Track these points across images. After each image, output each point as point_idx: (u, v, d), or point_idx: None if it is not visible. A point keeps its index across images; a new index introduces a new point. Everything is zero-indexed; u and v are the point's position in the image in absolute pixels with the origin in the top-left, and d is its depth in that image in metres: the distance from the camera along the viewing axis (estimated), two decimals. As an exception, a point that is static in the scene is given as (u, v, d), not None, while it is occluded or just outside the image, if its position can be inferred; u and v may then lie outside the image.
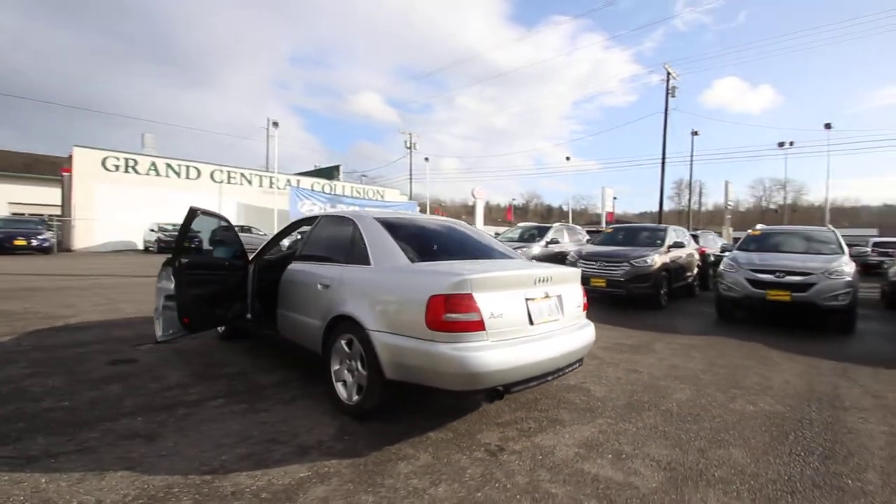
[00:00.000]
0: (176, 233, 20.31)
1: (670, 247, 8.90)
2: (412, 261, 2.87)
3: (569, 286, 3.13)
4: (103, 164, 21.88)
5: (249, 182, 29.18)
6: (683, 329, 6.22)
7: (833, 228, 7.95)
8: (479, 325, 2.45)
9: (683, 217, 43.33)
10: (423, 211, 38.14)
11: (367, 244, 3.09)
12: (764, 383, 3.84)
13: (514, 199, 66.47)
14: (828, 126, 25.79)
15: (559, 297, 2.98)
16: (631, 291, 7.89)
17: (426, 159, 38.50)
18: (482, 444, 2.57)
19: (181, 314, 3.59)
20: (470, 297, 2.46)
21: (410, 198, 40.40)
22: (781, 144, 34.99)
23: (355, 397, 2.85)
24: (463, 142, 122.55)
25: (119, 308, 6.46)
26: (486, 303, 2.50)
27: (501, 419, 2.93)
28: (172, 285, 3.58)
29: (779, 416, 3.10)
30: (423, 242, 3.18)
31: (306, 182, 32.39)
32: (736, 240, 16.29)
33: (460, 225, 4.00)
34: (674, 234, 9.49)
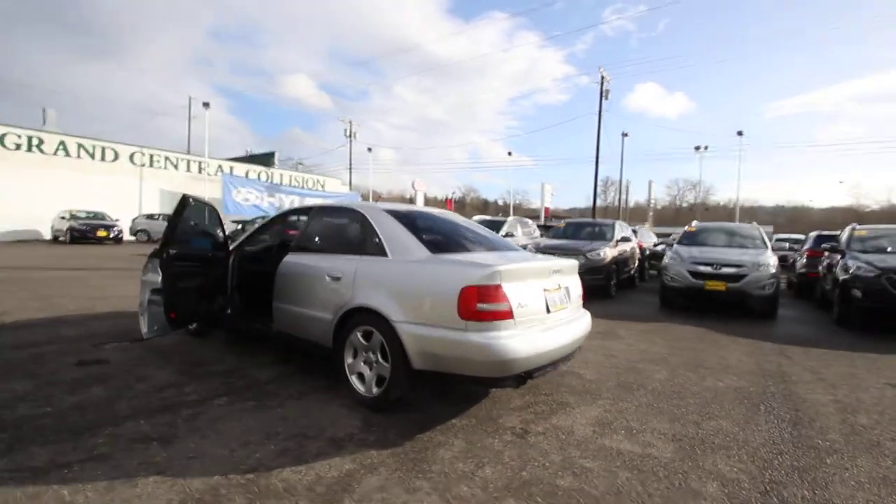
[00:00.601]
0: (92, 221, 18.60)
1: (618, 241, 9.58)
2: (432, 252, 2.92)
3: (573, 277, 3.34)
4: (1, 141, 19.18)
5: (175, 166, 26.99)
6: (636, 316, 6.77)
7: (757, 225, 8.97)
8: (509, 314, 2.57)
9: (610, 213, 46.34)
10: (365, 201, 37.56)
11: (381, 236, 3.08)
12: (722, 363, 4.33)
13: (454, 192, 67.00)
14: (740, 133, 28.85)
15: (567, 287, 3.17)
16: (586, 283, 8.39)
17: (369, 149, 37.88)
18: (507, 428, 2.69)
19: (168, 309, 3.35)
20: (499, 287, 2.56)
21: (350, 188, 39.53)
22: (698, 148, 38.40)
23: (375, 389, 2.85)
24: (399, 132, 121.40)
25: (57, 304, 5.81)
26: (513, 293, 2.62)
27: (513, 404, 3.08)
28: (159, 278, 3.33)
29: (745, 390, 3.54)
30: (434, 234, 3.21)
31: (240, 169, 30.55)
32: (659, 235, 17.68)
33: (457, 217, 4.07)
34: (620, 229, 10.21)
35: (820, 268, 8.78)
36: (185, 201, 3.54)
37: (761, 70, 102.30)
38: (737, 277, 7.10)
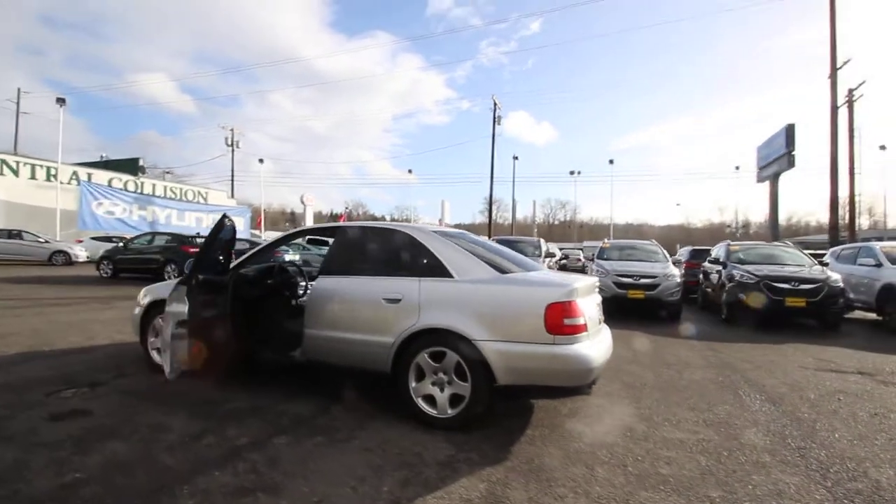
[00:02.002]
0: None
1: (545, 256, 10.52)
2: (502, 272, 3.05)
3: (598, 293, 3.73)
4: None
5: (15, 172, 22.25)
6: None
7: (656, 242, 10.59)
8: (584, 327, 2.82)
9: (498, 229, 49.72)
10: (254, 217, 34.76)
11: (441, 258, 3.10)
12: (680, 360, 5.11)
13: (347, 208, 65.57)
14: (611, 161, 33.45)
15: (599, 301, 3.54)
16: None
17: (261, 161, 35.34)
18: (577, 433, 2.92)
19: (193, 343, 2.93)
20: (576, 303, 2.81)
21: (232, 197, 36.33)
22: (572, 172, 43.36)
23: (450, 410, 2.86)
24: (279, 143, 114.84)
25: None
26: (583, 307, 2.88)
27: (563, 411, 3.31)
28: (186, 308, 2.89)
29: (717, 381, 4.26)
30: (485, 255, 3.33)
31: (102, 177, 26.24)
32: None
33: (477, 236, 4.22)
34: (545, 246, 11.21)
35: (700, 276, 10.68)
36: (223, 222, 3.14)
37: (610, 108, 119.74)
38: (652, 287, 8.33)
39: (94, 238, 20.97)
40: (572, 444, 2.75)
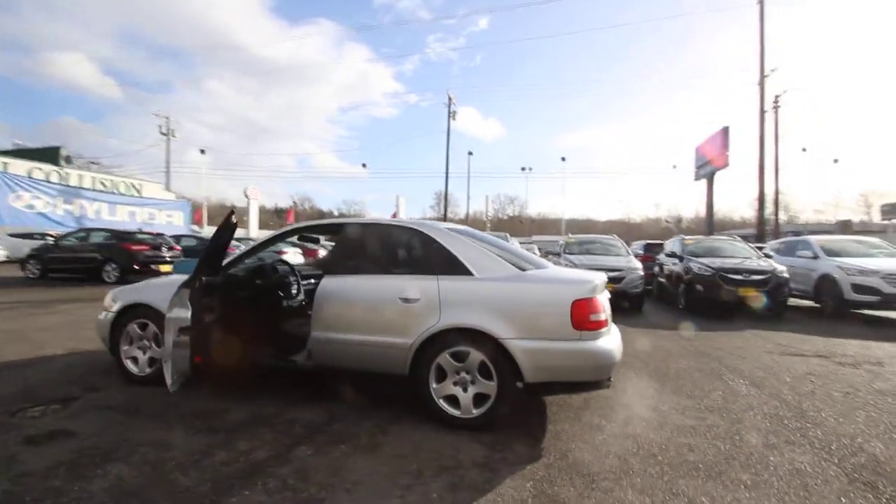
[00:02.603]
0: None
1: (513, 251, 10.68)
2: (520, 270, 3.02)
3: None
4: None
5: None
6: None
7: (617, 237, 11.04)
8: (606, 322, 2.87)
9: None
10: (195, 211, 32.70)
11: (459, 256, 3.03)
12: (660, 349, 5.36)
13: (294, 202, 63.28)
14: (563, 159, 34.48)
15: (608, 297, 3.61)
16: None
17: (202, 151, 33.23)
18: (595, 425, 2.97)
19: (195, 352, 2.67)
20: (598, 299, 2.85)
21: (168, 190, 33.91)
22: (524, 169, 44.34)
23: (475, 410, 2.81)
24: (216, 133, 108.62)
25: None
26: (602, 302, 2.93)
27: (573, 406, 3.36)
28: (188, 314, 2.63)
29: (702, 368, 4.50)
30: (500, 252, 3.29)
31: (20, 167, 23.60)
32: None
33: (484, 234, 4.16)
34: (512, 241, 11.37)
35: (656, 269, 11.28)
36: (230, 219, 2.87)
37: (555, 107, 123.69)
38: (619, 279, 8.67)
39: (12, 235, 18.83)
40: (596, 436, 2.80)
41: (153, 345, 3.60)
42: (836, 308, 8.08)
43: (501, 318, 2.80)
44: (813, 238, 9.61)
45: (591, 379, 2.80)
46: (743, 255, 9.27)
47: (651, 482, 2.24)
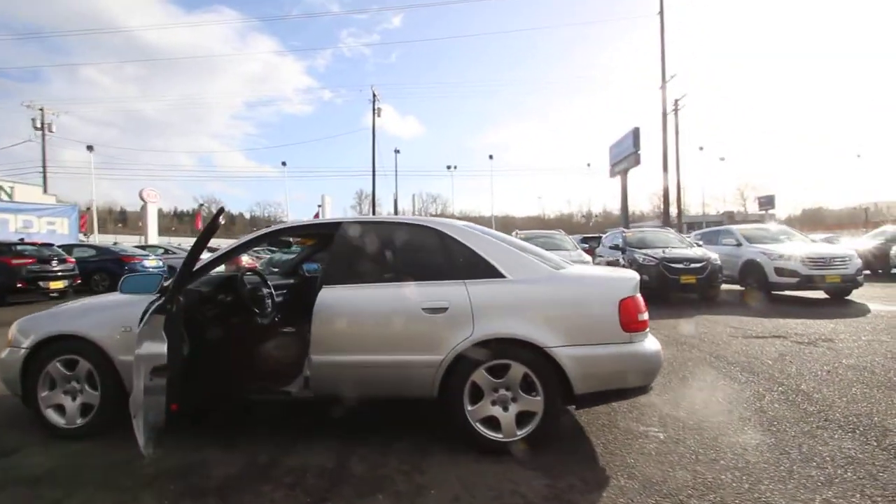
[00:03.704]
0: None
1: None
2: (556, 269, 2.72)
3: None
4: None
5: None
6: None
7: (563, 232, 11.29)
8: (647, 321, 2.67)
9: (379, 224, 49.08)
10: (86, 217, 28.56)
11: (487, 256, 2.66)
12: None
13: (202, 204, 57.98)
14: (490, 157, 35.13)
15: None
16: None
17: (90, 148, 29.00)
18: (640, 432, 2.78)
19: (171, 397, 2.02)
20: (640, 297, 2.64)
21: (46, 193, 29.18)
22: (449, 167, 44.71)
23: (519, 431, 2.47)
24: (97, 128, 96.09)
25: None
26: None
27: (600, 409, 3.15)
28: (164, 348, 1.96)
29: (690, 357, 4.57)
30: (526, 251, 2.96)
31: None
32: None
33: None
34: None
35: (597, 261, 11.72)
36: (217, 222, 2.19)
37: (470, 106, 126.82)
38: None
39: None
40: (647, 445, 2.59)
41: (86, 387, 2.79)
42: (760, 290, 8.88)
43: (544, 323, 2.49)
44: (734, 227, 10.55)
45: (641, 384, 2.59)
46: (678, 245, 9.90)
47: (737, 493, 2.06)
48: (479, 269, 2.65)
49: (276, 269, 4.35)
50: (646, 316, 2.59)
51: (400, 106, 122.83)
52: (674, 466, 2.33)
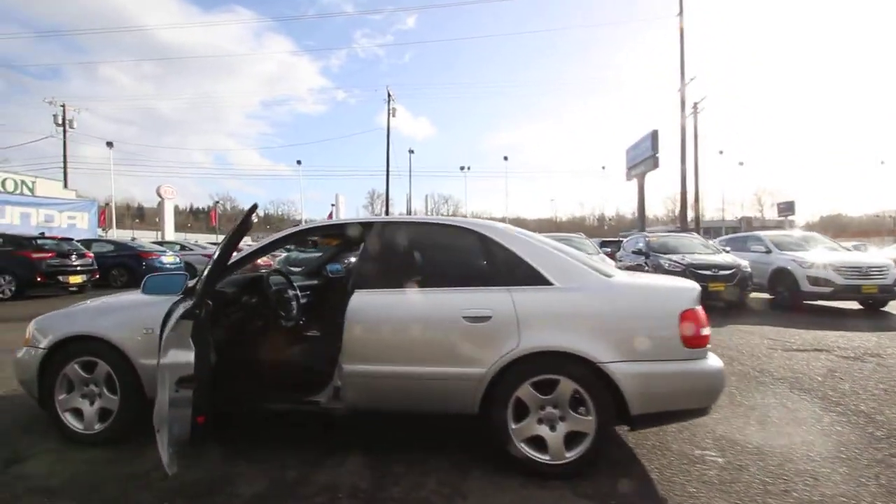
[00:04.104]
0: None
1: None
2: (607, 276, 2.52)
3: None
4: None
5: None
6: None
7: (583, 235, 11.04)
8: (709, 336, 2.45)
9: (391, 224, 49.00)
10: (105, 212, 28.95)
11: (533, 262, 2.46)
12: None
13: (217, 201, 58.59)
14: (505, 158, 34.85)
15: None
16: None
17: (109, 145, 29.40)
18: (696, 456, 2.56)
19: (198, 409, 1.86)
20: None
21: (67, 188, 29.55)
22: (462, 168, 44.49)
23: (568, 454, 2.27)
24: (116, 126, 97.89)
25: None
26: (702, 313, 2.50)
27: (651, 433, 2.93)
28: (191, 356, 1.80)
29: (732, 372, 4.31)
30: (574, 256, 2.75)
31: None
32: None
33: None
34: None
35: (618, 265, 11.44)
36: (249, 219, 2.04)
37: (482, 107, 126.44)
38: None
39: None
40: (707, 472, 2.37)
41: (105, 391, 2.65)
42: (792, 299, 8.53)
43: (598, 336, 2.28)
44: (763, 233, 10.19)
45: (702, 405, 2.36)
46: (705, 251, 9.58)
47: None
48: (525, 275, 2.45)
49: (295, 269, 4.21)
50: (708, 331, 2.36)
51: (413, 107, 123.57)
52: (742, 498, 2.11)
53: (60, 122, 33.18)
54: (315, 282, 3.89)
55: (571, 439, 2.29)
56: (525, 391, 2.30)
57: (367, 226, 2.75)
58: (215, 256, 2.17)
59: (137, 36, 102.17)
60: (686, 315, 2.29)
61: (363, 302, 2.48)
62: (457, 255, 2.67)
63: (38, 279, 9.78)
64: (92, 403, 2.68)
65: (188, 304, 2.04)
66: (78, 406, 2.68)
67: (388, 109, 33.65)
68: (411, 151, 36.30)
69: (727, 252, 9.63)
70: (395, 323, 2.44)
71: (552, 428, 2.30)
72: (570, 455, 2.27)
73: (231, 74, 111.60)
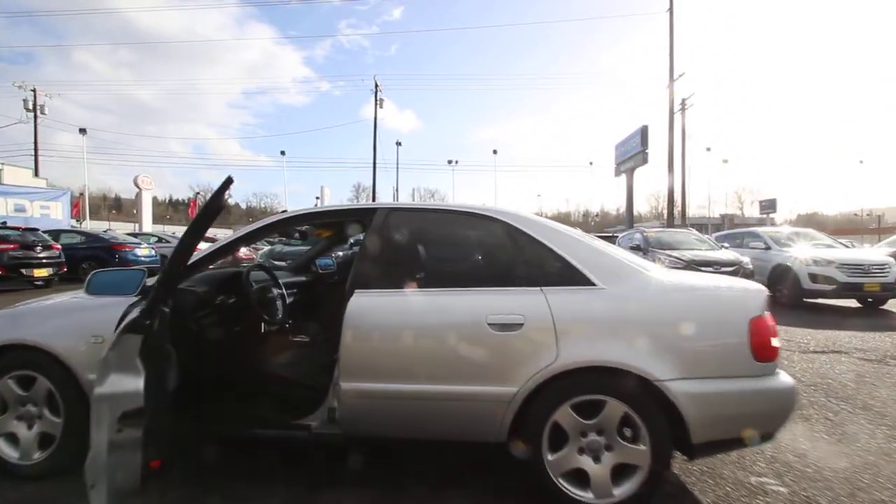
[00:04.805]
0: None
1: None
2: (658, 276, 2.12)
3: None
4: None
5: None
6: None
7: (580, 230, 10.70)
8: (779, 348, 2.07)
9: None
10: (79, 203, 27.69)
11: (569, 257, 2.05)
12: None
13: (198, 192, 56.91)
14: (495, 151, 34.45)
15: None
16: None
17: (83, 131, 28.06)
18: (759, 487, 2.20)
19: (152, 451, 1.40)
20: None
21: (37, 176, 28.15)
22: (450, 162, 44.07)
23: (616, 491, 1.87)
24: (91, 113, 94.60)
25: None
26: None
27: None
28: (140, 383, 1.34)
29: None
30: (611, 250, 2.35)
31: None
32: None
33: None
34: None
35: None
36: (221, 198, 1.57)
37: (467, 103, 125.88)
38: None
39: None
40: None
41: (46, 412, 2.17)
42: (792, 297, 8.33)
43: (651, 348, 1.88)
44: (761, 230, 10.01)
45: (771, 429, 1.99)
46: (704, 247, 9.35)
47: None
48: (561, 273, 2.04)
49: (278, 264, 3.74)
50: (778, 342, 1.99)
51: (398, 100, 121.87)
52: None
53: (31, 107, 31.60)
54: (303, 278, 3.43)
55: (619, 473, 1.90)
56: (564, 415, 1.90)
57: (368, 213, 2.29)
58: (175, 248, 1.70)
59: (116, 23, 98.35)
60: (756, 323, 1.91)
61: (364, 305, 2.04)
62: (477, 249, 2.25)
63: (-2, 272, 9.05)
64: (30, 427, 2.19)
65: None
66: (12, 430, 2.19)
67: (376, 99, 32.96)
68: (398, 143, 35.70)
69: (726, 248, 9.42)
70: (403, 331, 2.01)
71: (596, 459, 1.91)
72: (619, 492, 1.88)
73: (212, 62, 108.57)
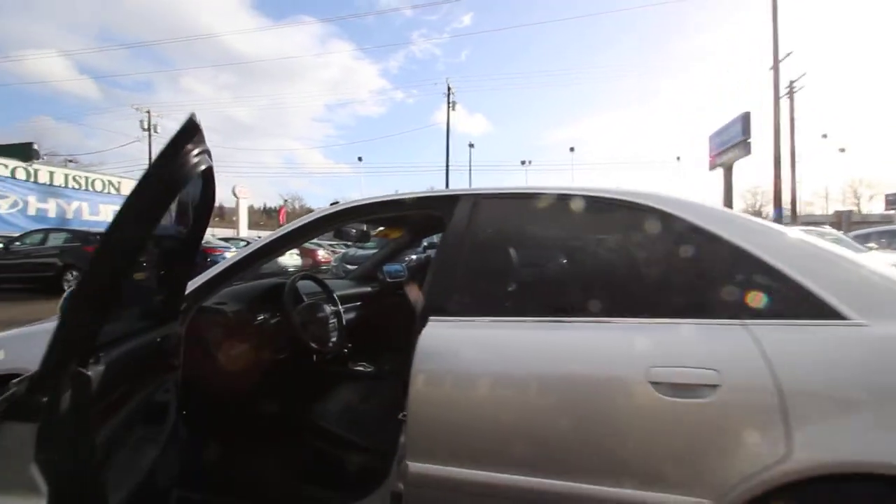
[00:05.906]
0: None
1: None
2: None
3: None
4: None
5: None
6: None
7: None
8: None
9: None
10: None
11: (788, 269, 1.20)
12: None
13: (285, 200, 60.95)
14: (571, 149, 33.03)
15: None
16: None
17: (185, 146, 30.82)
18: None
19: None
20: None
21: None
22: (523, 162, 42.92)
23: None
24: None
25: None
26: None
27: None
28: None
29: None
30: (852, 258, 1.46)
31: (-19, 164, 21.25)
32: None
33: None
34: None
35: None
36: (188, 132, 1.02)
37: (540, 104, 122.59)
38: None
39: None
40: None
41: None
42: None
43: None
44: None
45: None
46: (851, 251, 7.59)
47: None
48: (781, 296, 1.18)
49: (351, 268, 3.20)
50: None
51: (469, 104, 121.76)
52: None
53: (146, 127, 35.61)
54: (368, 289, 2.81)
55: None
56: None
57: (447, 202, 1.56)
58: (102, 241, 1.07)
59: (216, 51, 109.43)
60: None
61: (444, 340, 1.33)
62: (623, 256, 1.44)
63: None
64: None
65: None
66: None
67: (448, 102, 32.83)
68: (471, 145, 35.18)
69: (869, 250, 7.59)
70: (506, 387, 1.27)
71: None
72: None
73: (298, 81, 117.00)
